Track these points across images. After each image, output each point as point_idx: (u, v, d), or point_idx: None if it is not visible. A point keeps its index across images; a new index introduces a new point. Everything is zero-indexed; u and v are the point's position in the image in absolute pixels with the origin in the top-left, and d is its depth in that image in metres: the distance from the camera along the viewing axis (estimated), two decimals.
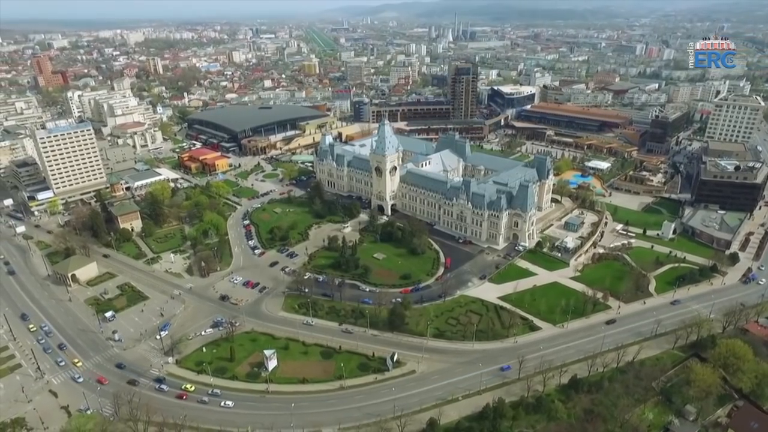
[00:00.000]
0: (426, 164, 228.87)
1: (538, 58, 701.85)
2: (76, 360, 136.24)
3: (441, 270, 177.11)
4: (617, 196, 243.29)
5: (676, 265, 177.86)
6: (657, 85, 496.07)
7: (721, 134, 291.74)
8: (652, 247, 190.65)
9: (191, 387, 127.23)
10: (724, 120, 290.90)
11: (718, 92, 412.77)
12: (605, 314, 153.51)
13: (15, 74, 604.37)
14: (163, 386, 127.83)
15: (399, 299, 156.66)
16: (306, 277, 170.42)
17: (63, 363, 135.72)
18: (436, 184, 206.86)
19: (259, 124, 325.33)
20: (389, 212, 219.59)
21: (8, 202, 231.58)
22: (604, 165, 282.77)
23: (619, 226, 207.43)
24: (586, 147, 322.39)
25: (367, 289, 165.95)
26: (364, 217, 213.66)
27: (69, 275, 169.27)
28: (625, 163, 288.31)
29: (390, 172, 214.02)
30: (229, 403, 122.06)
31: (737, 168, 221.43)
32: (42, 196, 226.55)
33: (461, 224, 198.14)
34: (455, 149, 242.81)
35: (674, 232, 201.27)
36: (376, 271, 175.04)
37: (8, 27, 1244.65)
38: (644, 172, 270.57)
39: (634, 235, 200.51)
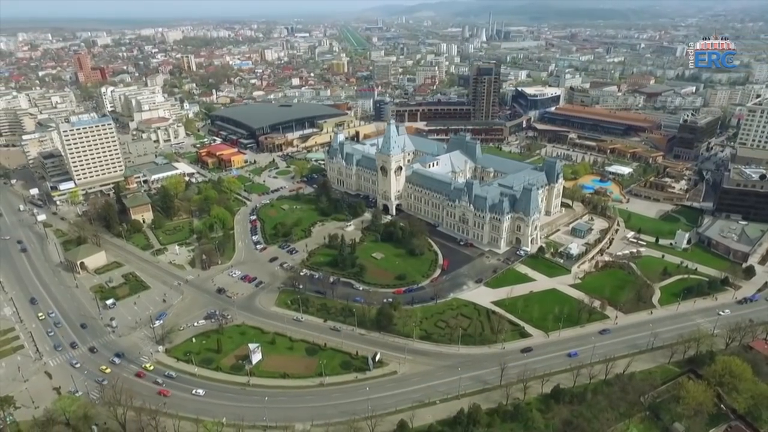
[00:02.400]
0: (434, 165, 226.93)
1: (572, 58, 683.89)
2: (104, 367, 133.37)
3: (438, 272, 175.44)
4: (635, 203, 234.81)
5: (686, 276, 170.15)
6: (694, 88, 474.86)
7: (753, 140, 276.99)
8: (663, 256, 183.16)
9: (150, 366, 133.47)
10: (758, 125, 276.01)
11: (758, 96, 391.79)
12: (602, 324, 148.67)
13: (60, 70, 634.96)
14: (116, 359, 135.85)
15: (390, 299, 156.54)
16: (302, 274, 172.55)
17: (78, 365, 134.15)
18: (440, 185, 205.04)
19: (277, 121, 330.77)
20: (394, 212, 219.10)
21: (34, 191, 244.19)
22: (625, 170, 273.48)
23: (630, 234, 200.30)
24: (608, 151, 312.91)
25: (361, 288, 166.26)
26: (368, 216, 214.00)
27: (78, 263, 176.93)
28: (647, 169, 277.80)
29: (395, 172, 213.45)
30: (200, 391, 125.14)
31: (762, 176, 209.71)
32: (64, 186, 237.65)
33: (463, 226, 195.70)
34: (466, 150, 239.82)
35: (689, 242, 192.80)
36: (372, 271, 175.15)
37: (60, 25, 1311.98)
38: (667, 179, 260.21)
39: (644, 243, 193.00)
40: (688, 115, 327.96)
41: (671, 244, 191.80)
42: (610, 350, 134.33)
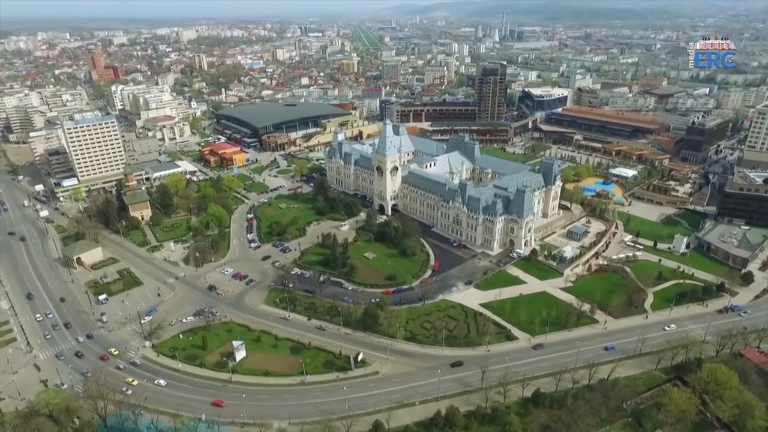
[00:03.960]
0: (431, 165, 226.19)
1: (584, 59, 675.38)
2: (131, 379, 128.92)
3: (428, 272, 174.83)
4: (638, 206, 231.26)
5: (681, 281, 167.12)
6: (707, 90, 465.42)
7: (763, 144, 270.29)
8: (660, 261, 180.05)
9: (115, 351, 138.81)
10: None
11: None
12: (590, 328, 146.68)
13: (75, 69, 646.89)
14: (79, 338, 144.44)
15: (377, 299, 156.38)
16: (293, 273, 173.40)
17: (89, 374, 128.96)
18: (435, 186, 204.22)
19: (281, 120, 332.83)
20: (389, 212, 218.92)
21: (39, 187, 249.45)
22: (629, 173, 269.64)
23: (628, 237, 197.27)
24: (614, 153, 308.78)
25: (350, 288, 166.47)
26: (364, 216, 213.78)
27: (75, 258, 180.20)
28: (652, 172, 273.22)
29: (391, 172, 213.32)
30: (161, 381, 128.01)
31: (767, 181, 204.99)
32: (67, 183, 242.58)
33: (457, 227, 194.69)
34: (464, 151, 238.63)
35: (688, 246, 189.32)
36: (362, 271, 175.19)
37: (79, 24, 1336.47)
38: (671, 182, 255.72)
39: (642, 247, 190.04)
40: (697, 117, 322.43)
41: (669, 248, 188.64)
42: (597, 356, 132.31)
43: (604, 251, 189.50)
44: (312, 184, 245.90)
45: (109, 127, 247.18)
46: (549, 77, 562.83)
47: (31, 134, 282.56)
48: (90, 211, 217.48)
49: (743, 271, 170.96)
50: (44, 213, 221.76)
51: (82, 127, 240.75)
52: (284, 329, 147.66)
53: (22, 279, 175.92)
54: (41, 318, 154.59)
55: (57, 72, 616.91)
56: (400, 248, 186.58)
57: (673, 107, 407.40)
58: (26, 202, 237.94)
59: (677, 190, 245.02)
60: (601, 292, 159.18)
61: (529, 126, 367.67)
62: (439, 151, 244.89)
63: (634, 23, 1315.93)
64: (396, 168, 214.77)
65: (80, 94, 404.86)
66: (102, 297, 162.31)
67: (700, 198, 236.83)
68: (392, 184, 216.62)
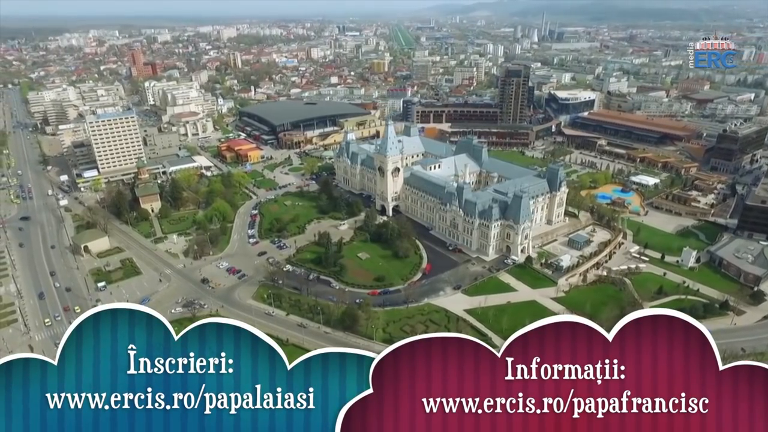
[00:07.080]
0: (436, 167, 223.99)
1: (623, 61, 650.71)
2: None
3: (418, 275, 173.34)
4: (655, 216, 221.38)
5: (683, 297, 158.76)
6: (752, 96, 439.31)
7: None
8: (665, 274, 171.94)
9: (77, 308, 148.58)
10: None
11: None
12: None
13: (119, 65, 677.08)
14: (72, 321, 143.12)
15: (360, 300, 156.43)
16: (285, 269, 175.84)
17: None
18: (435, 188, 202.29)
19: (300, 118, 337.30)
20: (390, 213, 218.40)
21: (64, 177, 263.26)
22: (651, 181, 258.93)
23: (635, 248, 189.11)
24: (638, 160, 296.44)
25: (337, 287, 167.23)
26: (364, 216, 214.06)
27: (82, 246, 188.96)
28: (676, 180, 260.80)
29: (392, 173, 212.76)
30: None
31: None
32: (88, 174, 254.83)
33: (454, 231, 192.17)
34: (472, 153, 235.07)
35: (698, 260, 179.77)
36: (353, 270, 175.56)
37: (129, 22, 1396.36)
38: (693, 192, 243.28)
39: (647, 259, 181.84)
40: (735, 124, 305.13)
41: (677, 261, 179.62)
42: None
43: (606, 261, 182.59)
44: (316, 184, 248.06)
45: (128, 122, 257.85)
46: (583, 79, 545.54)
47: (60, 127, 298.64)
48: (105, 202, 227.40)
49: (755, 289, 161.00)
50: (64, 202, 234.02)
51: (103, 121, 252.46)
52: (266, 325, 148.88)
53: (33, 264, 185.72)
54: (50, 323, 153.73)
55: (102, 68, 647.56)
56: (394, 250, 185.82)
57: (711, 113, 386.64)
58: (50, 192, 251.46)
59: (699, 201, 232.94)
60: (593, 304, 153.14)
61: (553, 129, 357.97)
62: (448, 153, 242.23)
63: (685, 24, 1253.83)
64: (397, 169, 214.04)
65: (117, 90, 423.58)
66: (101, 284, 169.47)
67: (723, 210, 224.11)
68: (393, 185, 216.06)
